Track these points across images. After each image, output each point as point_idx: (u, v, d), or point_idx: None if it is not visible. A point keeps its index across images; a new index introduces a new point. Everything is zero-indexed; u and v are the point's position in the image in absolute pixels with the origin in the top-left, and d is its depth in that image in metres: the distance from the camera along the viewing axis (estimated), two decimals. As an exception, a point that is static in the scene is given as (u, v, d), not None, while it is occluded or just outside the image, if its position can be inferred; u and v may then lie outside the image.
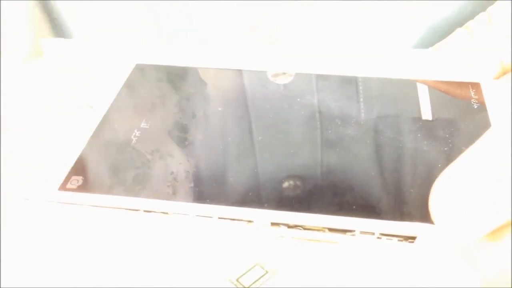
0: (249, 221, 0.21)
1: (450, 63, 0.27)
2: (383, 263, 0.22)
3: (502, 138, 0.19)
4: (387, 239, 0.21)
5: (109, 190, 0.22)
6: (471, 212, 0.19)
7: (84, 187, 0.23)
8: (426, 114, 0.25)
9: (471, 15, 0.33)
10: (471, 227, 0.19)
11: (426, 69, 0.28)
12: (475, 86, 0.26)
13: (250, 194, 0.22)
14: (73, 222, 0.24)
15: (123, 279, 0.22)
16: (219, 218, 0.22)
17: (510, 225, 0.19)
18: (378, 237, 0.21)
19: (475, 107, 0.25)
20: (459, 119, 0.25)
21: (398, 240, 0.21)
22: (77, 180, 0.23)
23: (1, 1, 0.32)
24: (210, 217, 0.22)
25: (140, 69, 0.29)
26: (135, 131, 0.25)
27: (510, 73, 0.26)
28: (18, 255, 0.23)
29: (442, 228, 0.20)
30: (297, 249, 0.23)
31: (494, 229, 0.19)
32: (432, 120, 0.25)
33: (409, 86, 0.27)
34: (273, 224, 0.21)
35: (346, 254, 0.22)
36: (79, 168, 0.23)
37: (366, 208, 0.21)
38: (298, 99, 0.27)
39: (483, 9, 0.31)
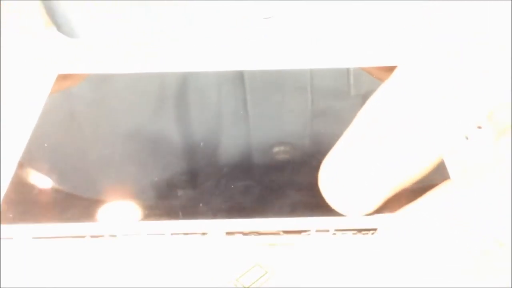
0: (203, 233, 0.21)
1: None
2: (383, 263, 0.22)
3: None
4: (342, 234, 0.21)
5: (50, 219, 0.21)
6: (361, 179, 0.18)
7: (20, 218, 0.21)
8: None
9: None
10: (364, 196, 0.18)
11: None
12: None
13: (201, 205, 0.21)
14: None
15: (122, 278, 0.22)
16: (172, 234, 0.21)
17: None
18: (334, 233, 0.21)
19: None
20: None
21: (353, 234, 0.21)
22: (11, 210, 0.21)
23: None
24: (162, 234, 0.21)
25: (63, 78, 0.27)
26: (66, 150, 0.24)
27: None
28: (18, 254, 0.22)
29: (332, 202, 0.19)
30: (297, 249, 0.23)
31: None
32: None
33: None
34: (228, 233, 0.21)
35: (347, 254, 0.22)
36: (12, 196, 0.22)
37: (318, 206, 0.21)
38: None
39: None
